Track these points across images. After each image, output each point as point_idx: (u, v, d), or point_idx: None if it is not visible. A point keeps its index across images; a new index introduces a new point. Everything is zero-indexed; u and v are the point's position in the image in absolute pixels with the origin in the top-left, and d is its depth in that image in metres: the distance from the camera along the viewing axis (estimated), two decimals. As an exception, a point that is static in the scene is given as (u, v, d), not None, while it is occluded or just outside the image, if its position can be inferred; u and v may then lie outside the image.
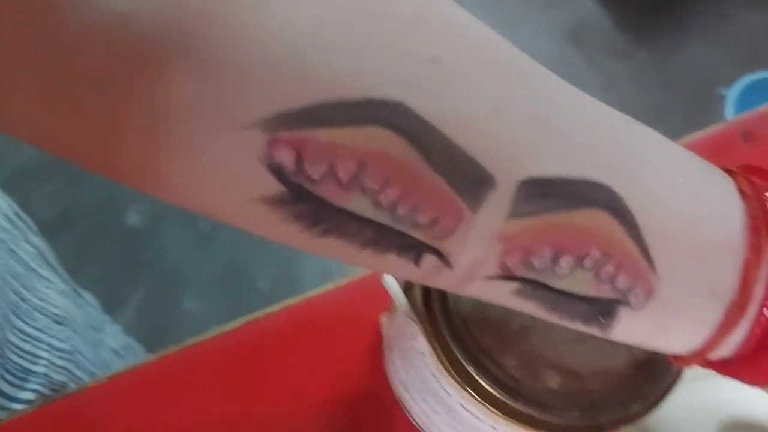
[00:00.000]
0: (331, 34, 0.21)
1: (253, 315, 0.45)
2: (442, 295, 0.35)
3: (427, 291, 0.35)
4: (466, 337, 0.34)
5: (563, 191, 0.24)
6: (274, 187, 0.22)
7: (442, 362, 0.34)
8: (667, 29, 1.81)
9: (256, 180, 0.22)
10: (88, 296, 0.60)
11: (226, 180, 0.22)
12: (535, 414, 0.33)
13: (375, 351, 0.46)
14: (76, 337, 0.52)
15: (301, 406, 0.43)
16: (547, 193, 0.24)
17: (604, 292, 0.26)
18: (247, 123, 0.21)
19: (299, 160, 0.21)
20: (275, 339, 0.45)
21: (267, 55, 0.20)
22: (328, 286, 0.47)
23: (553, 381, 0.35)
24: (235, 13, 0.20)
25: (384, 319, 0.45)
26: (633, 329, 0.27)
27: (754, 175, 0.29)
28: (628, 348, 0.36)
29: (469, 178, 0.23)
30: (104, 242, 1.28)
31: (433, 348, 0.34)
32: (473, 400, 0.34)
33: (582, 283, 0.26)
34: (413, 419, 0.44)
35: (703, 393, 0.46)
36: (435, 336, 0.34)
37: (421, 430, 0.44)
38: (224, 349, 0.44)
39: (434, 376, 0.36)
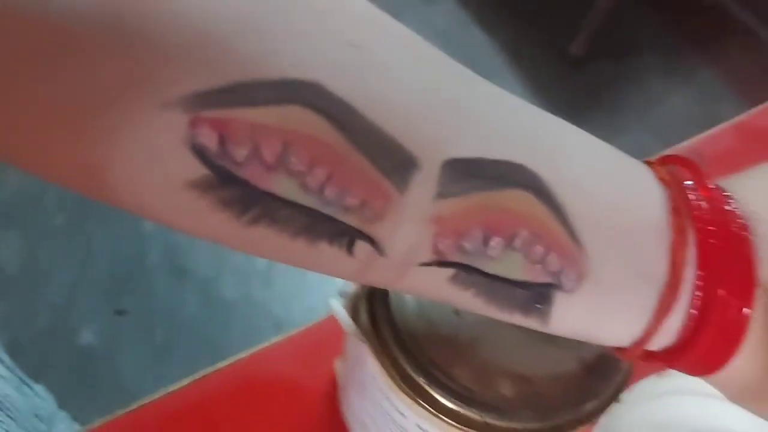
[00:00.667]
0: (251, 16, 0.22)
1: (201, 372, 0.44)
2: (389, 313, 0.35)
3: (373, 311, 0.35)
4: (416, 352, 0.34)
5: (486, 171, 0.25)
6: (198, 170, 0.22)
7: (392, 378, 0.34)
8: (600, 115, 1.89)
9: (180, 163, 0.21)
10: (39, 389, 0.58)
11: (152, 164, 0.22)
12: (492, 421, 0.33)
13: (331, 399, 0.45)
14: (11, 423, 0.50)
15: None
16: (471, 174, 0.24)
17: (537, 274, 0.26)
18: (167, 101, 0.21)
19: (222, 140, 0.21)
20: (226, 394, 0.44)
21: (186, 34, 0.21)
22: (279, 338, 0.46)
23: (506, 388, 0.35)
24: None
25: (338, 364, 0.44)
26: (571, 316, 0.28)
27: (672, 164, 0.30)
28: (577, 350, 0.36)
29: (393, 160, 0.23)
30: (58, 365, 1.24)
31: (382, 365, 0.34)
32: (427, 414, 0.33)
33: (514, 266, 0.26)
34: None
35: (663, 412, 0.46)
36: (383, 352, 0.34)
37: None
38: (174, 407, 0.43)
39: (387, 398, 0.35)
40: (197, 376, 0.44)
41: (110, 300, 1.29)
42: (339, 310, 0.36)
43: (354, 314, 0.36)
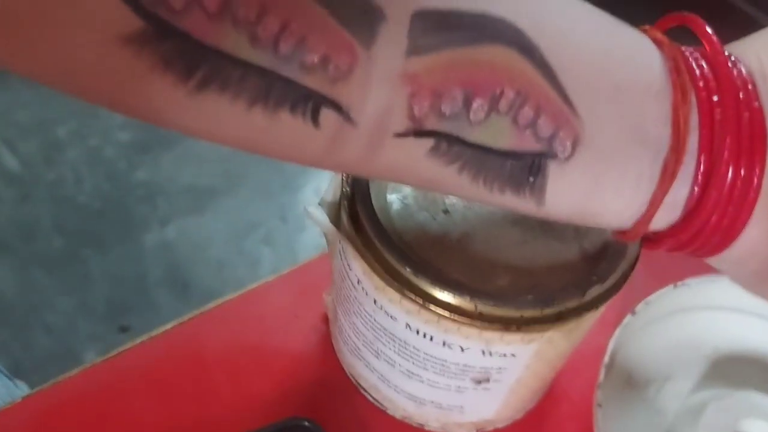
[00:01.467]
0: None
1: (190, 313, 0.42)
2: (371, 213, 0.33)
3: (354, 212, 0.33)
4: (403, 251, 0.32)
5: (462, 25, 0.22)
6: (132, 21, 0.19)
7: (377, 273, 0.31)
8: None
9: (109, 12, 0.19)
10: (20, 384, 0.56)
11: (80, 17, 0.19)
12: (486, 309, 0.30)
13: (322, 335, 0.42)
14: None
15: (251, 401, 0.39)
16: (444, 26, 0.22)
17: (527, 142, 0.24)
18: None
19: None
20: (216, 336, 0.41)
21: None
22: (267, 279, 0.44)
23: (502, 279, 0.32)
24: None
25: (326, 297, 0.42)
26: (567, 190, 0.25)
27: (672, 23, 0.28)
28: (578, 241, 0.34)
29: (355, 9, 0.21)
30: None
31: (366, 262, 0.32)
32: (417, 308, 0.31)
33: (501, 132, 0.23)
34: (371, 396, 0.40)
35: (688, 327, 0.43)
36: (367, 249, 0.32)
37: (380, 406, 0.40)
38: (165, 349, 0.41)
39: (375, 302, 0.33)
40: (186, 317, 0.42)
41: (113, 319, 1.28)
42: (317, 213, 0.33)
43: (336, 221, 0.34)
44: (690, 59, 0.26)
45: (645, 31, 0.28)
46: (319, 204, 0.35)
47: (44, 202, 1.42)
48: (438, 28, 0.22)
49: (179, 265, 1.35)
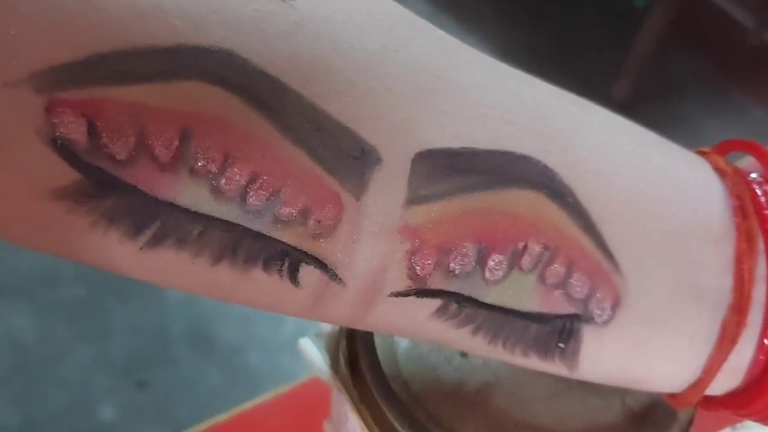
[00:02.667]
0: None
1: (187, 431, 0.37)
2: (372, 355, 0.27)
3: (353, 353, 0.28)
4: (408, 404, 0.27)
5: (477, 166, 0.19)
6: (65, 173, 0.16)
7: (376, 436, 0.26)
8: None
9: (39, 164, 0.16)
10: None
11: (5, 167, 0.16)
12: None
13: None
14: None
15: None
16: (454, 169, 0.18)
17: (557, 304, 0.20)
18: (11, 79, 0.15)
19: (94, 130, 0.16)
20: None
21: None
22: (266, 396, 0.39)
23: (528, 447, 0.27)
24: None
25: (326, 426, 0.36)
26: (605, 356, 0.22)
27: (733, 151, 0.24)
28: (620, 396, 0.29)
29: (342, 151, 0.17)
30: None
31: (364, 421, 0.26)
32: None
33: (524, 292, 0.20)
34: None
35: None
36: (365, 404, 0.27)
37: None
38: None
39: (375, 464, 0.27)
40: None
41: (131, 373, 1.25)
42: (311, 352, 0.28)
43: (333, 359, 0.29)
44: (759, 194, 0.22)
45: (704, 155, 0.23)
46: (316, 335, 0.30)
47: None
48: (446, 172, 0.18)
49: (202, 319, 1.32)
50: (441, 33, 0.20)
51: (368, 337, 0.28)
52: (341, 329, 0.29)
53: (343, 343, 0.28)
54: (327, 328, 0.30)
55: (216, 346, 1.30)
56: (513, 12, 1.94)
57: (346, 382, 0.27)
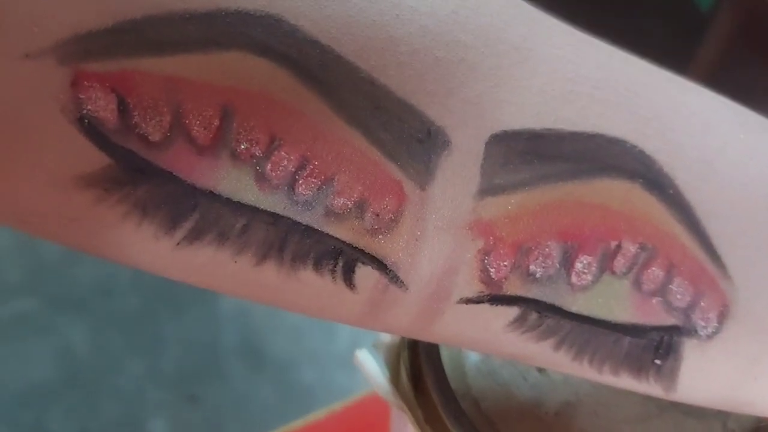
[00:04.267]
0: None
1: None
2: (438, 370, 0.24)
3: (416, 368, 0.25)
4: (480, 426, 0.23)
5: (561, 149, 0.16)
6: (94, 157, 0.14)
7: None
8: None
9: (64, 147, 0.14)
10: None
11: (20, 149, 0.14)
12: None
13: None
14: None
15: None
16: (536, 154, 0.16)
17: (654, 313, 0.18)
18: (33, 49, 0.13)
19: (125, 108, 0.14)
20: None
21: None
22: (319, 414, 0.36)
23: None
24: None
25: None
26: (710, 376, 0.19)
27: None
28: (721, 421, 0.25)
29: (404, 135, 0.15)
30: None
31: (430, 444, 0.23)
32: None
33: (616, 300, 0.18)
34: None
35: None
36: (429, 424, 0.24)
37: None
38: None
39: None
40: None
41: (182, 387, 1.25)
42: (369, 365, 0.25)
43: (393, 373, 0.26)
44: None
45: None
46: (374, 346, 0.27)
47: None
48: (526, 158, 0.16)
49: (254, 332, 1.31)
50: (520, 0, 0.17)
51: (433, 348, 0.25)
52: (402, 340, 0.26)
53: (405, 355, 0.25)
54: (386, 338, 0.27)
55: (268, 359, 1.29)
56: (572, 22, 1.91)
57: (409, 399, 0.25)
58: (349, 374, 1.27)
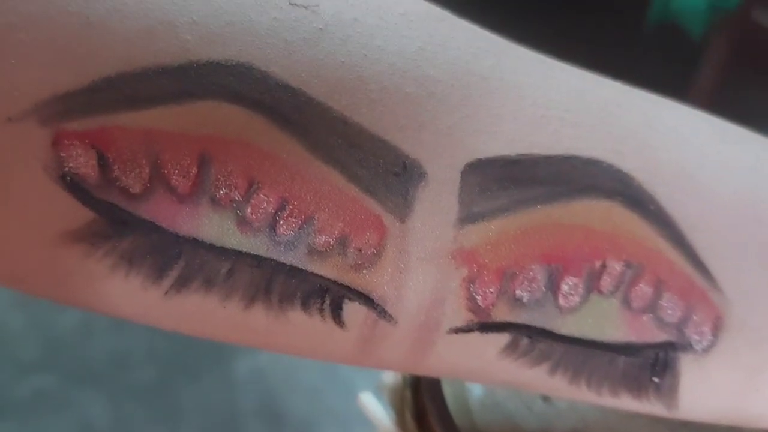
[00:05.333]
0: None
1: None
2: (442, 407, 0.24)
3: (420, 407, 0.25)
4: (487, 461, 0.23)
5: (538, 175, 0.16)
6: (78, 213, 0.14)
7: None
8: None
9: (49, 206, 0.14)
10: None
11: (9, 211, 0.15)
12: None
13: None
14: None
15: None
16: (513, 180, 0.16)
17: (646, 330, 0.18)
18: (15, 113, 0.14)
19: (104, 162, 0.14)
20: None
21: (30, 6, 0.14)
22: None
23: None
24: None
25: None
26: (711, 390, 0.19)
27: None
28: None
29: (380, 170, 0.16)
30: None
31: (438, 483, 0.23)
32: None
33: (606, 320, 0.17)
34: None
35: None
36: (438, 463, 0.23)
37: None
38: None
39: None
40: None
41: (203, 454, 1.22)
42: (373, 407, 0.25)
43: (399, 414, 0.26)
44: None
45: None
46: (377, 388, 0.26)
47: (137, 330, 1.40)
48: (502, 184, 0.16)
49: (272, 393, 1.30)
50: (487, 33, 0.18)
51: (435, 386, 0.25)
52: (404, 380, 0.25)
53: (408, 393, 0.25)
54: (389, 380, 0.26)
55: (288, 420, 1.28)
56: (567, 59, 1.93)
57: (415, 439, 0.24)
58: (370, 430, 1.25)
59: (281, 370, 1.34)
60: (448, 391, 0.25)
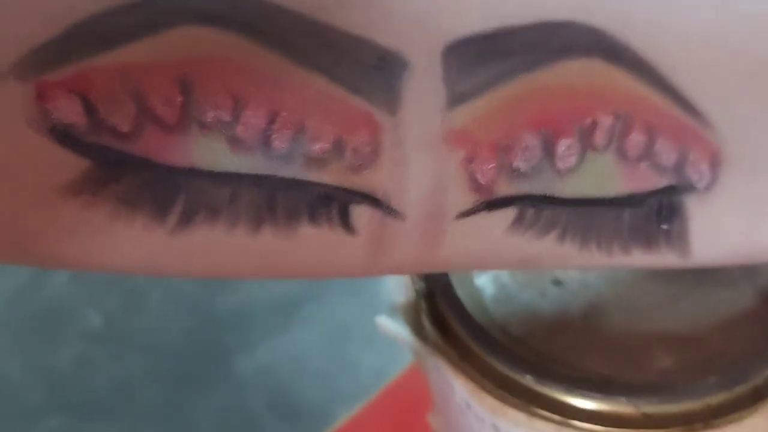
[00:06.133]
0: None
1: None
2: (461, 309, 0.24)
3: (439, 314, 0.25)
4: (516, 349, 0.23)
5: (515, 44, 0.16)
6: (72, 163, 0.14)
7: (488, 391, 0.23)
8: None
9: (43, 161, 0.14)
10: None
11: (2, 175, 0.14)
12: (658, 408, 0.21)
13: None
14: None
15: None
16: (491, 54, 0.16)
17: (646, 178, 0.18)
18: None
19: (89, 106, 0.14)
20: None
21: None
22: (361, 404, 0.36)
23: (662, 359, 0.23)
24: None
25: (431, 418, 0.33)
26: (720, 228, 0.18)
27: None
28: (749, 281, 0.25)
29: (359, 66, 0.15)
30: None
31: (471, 379, 0.23)
32: (555, 427, 0.22)
33: (606, 175, 0.17)
34: None
35: None
36: (466, 361, 0.23)
37: None
38: None
39: (496, 429, 0.24)
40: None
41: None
42: (392, 327, 0.25)
43: (417, 327, 0.26)
44: None
45: None
46: (391, 310, 0.26)
47: (134, 353, 1.39)
48: (483, 60, 0.16)
49: (279, 387, 1.30)
50: None
51: (450, 290, 0.25)
52: (417, 293, 0.26)
53: (424, 305, 0.25)
54: (400, 300, 0.27)
55: (301, 408, 1.27)
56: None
57: (439, 345, 0.24)
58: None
59: (284, 363, 1.34)
60: (461, 294, 0.25)
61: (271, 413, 1.27)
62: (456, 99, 0.16)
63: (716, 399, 0.21)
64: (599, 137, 0.17)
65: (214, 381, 1.31)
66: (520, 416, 0.22)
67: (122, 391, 1.32)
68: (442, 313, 0.25)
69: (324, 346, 1.35)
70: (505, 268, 0.25)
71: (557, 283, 0.25)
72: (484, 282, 0.26)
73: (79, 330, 1.43)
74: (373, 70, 0.15)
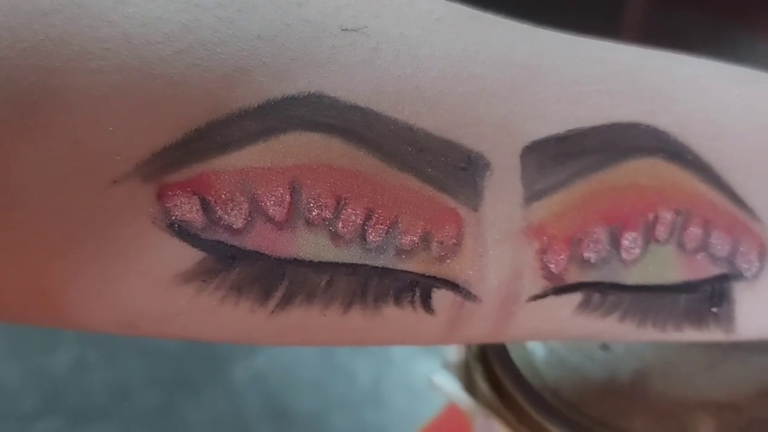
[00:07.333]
0: (196, 27, 0.15)
1: None
2: (514, 370, 0.26)
3: (492, 374, 0.26)
4: (569, 414, 0.25)
5: (586, 145, 0.18)
6: (189, 255, 0.16)
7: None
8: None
9: (161, 253, 0.16)
10: None
11: (123, 265, 0.16)
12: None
13: None
14: None
15: None
16: (566, 155, 0.18)
17: (701, 267, 0.19)
18: (118, 175, 0.15)
19: (207, 206, 0.15)
20: None
21: (111, 76, 0.15)
22: None
23: (706, 424, 0.25)
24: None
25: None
26: (760, 311, 0.21)
27: None
28: None
29: (449, 167, 0.17)
30: None
31: (529, 440, 0.25)
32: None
33: (667, 265, 0.19)
34: None
35: None
36: (524, 424, 0.25)
37: None
38: None
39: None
40: None
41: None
42: (447, 385, 0.27)
43: (469, 387, 0.27)
44: None
45: None
46: (443, 367, 0.28)
47: (130, 357, 1.39)
48: (558, 160, 0.18)
49: (274, 394, 1.29)
50: (510, 21, 0.19)
51: (504, 353, 0.26)
52: (472, 354, 0.27)
53: (478, 366, 0.27)
54: (452, 357, 0.28)
55: (295, 416, 1.28)
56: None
57: (495, 406, 0.26)
58: (377, 410, 1.27)
59: (279, 370, 1.34)
60: (514, 356, 0.26)
61: (266, 419, 1.28)
62: (533, 196, 0.17)
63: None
64: (661, 231, 0.19)
65: (209, 386, 1.31)
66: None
67: (118, 396, 1.32)
68: (498, 375, 0.26)
69: (318, 353, 1.36)
70: (564, 341, 0.26)
71: (605, 347, 0.27)
72: (535, 345, 0.27)
73: (75, 334, 1.42)
74: (459, 170, 0.17)
